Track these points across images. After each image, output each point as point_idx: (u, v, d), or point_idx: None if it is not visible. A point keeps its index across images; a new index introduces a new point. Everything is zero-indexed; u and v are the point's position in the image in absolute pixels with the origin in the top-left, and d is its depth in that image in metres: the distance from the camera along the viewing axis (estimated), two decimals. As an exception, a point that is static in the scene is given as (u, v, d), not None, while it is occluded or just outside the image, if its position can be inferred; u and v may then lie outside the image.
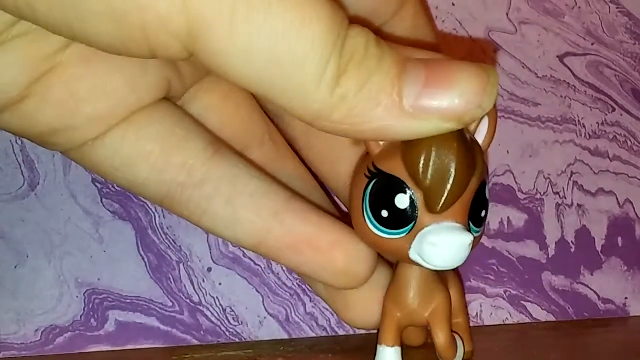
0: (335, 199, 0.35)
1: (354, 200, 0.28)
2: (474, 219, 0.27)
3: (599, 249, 0.41)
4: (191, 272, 0.36)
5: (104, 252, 0.35)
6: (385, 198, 0.27)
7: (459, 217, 0.26)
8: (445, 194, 0.25)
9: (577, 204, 0.41)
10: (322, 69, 0.21)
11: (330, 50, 0.21)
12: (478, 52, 0.40)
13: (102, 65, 0.25)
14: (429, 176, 0.25)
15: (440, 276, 0.30)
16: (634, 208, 0.42)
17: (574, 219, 0.41)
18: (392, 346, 0.29)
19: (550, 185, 0.41)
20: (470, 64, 0.23)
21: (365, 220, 0.27)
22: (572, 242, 0.41)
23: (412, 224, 0.26)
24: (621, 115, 0.42)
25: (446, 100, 0.23)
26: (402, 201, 0.26)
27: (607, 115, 0.42)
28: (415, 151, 0.25)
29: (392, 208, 0.27)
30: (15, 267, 0.34)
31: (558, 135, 0.41)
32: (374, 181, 0.27)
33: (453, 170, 0.25)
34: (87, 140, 0.26)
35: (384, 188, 0.27)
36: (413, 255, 0.26)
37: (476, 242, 0.27)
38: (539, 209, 0.40)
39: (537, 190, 0.41)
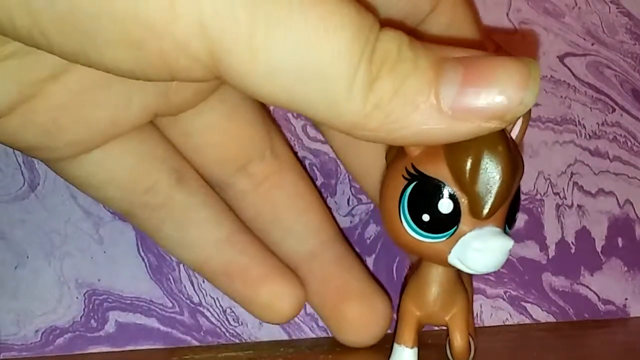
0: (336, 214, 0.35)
1: (387, 201, 0.27)
2: (509, 221, 0.27)
3: (599, 249, 0.41)
4: (191, 272, 0.35)
5: (104, 252, 0.35)
6: (427, 202, 0.26)
7: (499, 221, 0.26)
8: (492, 200, 0.25)
9: (577, 205, 0.41)
10: (352, 78, 0.21)
11: (358, 58, 0.21)
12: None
13: (88, 98, 0.25)
14: (477, 181, 0.25)
15: (461, 277, 0.30)
16: (634, 208, 0.42)
17: (574, 219, 0.41)
18: (412, 347, 0.29)
19: (550, 185, 0.41)
20: (510, 59, 0.22)
21: (402, 223, 0.26)
22: (572, 242, 0.41)
23: (453, 229, 0.26)
24: (621, 115, 0.42)
25: (486, 99, 0.22)
26: (445, 206, 0.26)
27: (607, 115, 0.42)
28: (460, 154, 0.25)
29: (434, 212, 0.26)
30: (15, 267, 0.34)
31: (558, 136, 0.41)
32: (413, 184, 0.26)
33: (500, 175, 0.25)
34: (64, 158, 0.27)
35: (426, 191, 0.26)
36: (452, 259, 0.26)
37: None
38: (539, 209, 0.40)
39: (537, 190, 0.41)
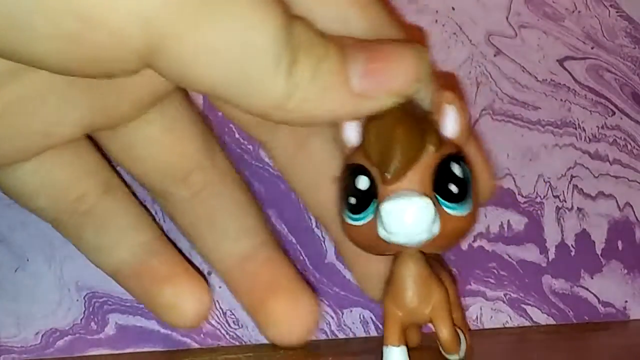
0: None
1: (337, 208, 0.29)
2: (443, 192, 0.27)
3: (599, 252, 0.41)
4: (191, 275, 0.36)
5: (104, 255, 0.35)
6: (349, 185, 0.27)
7: (418, 186, 0.26)
8: (393, 161, 0.26)
9: (577, 208, 0.41)
10: (277, 61, 0.23)
11: (284, 43, 0.23)
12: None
13: (22, 110, 0.26)
14: (377, 149, 0.26)
15: (435, 272, 0.30)
16: (633, 211, 0.42)
17: (574, 222, 0.41)
18: (398, 345, 0.29)
19: (550, 188, 0.41)
20: (399, 43, 0.26)
21: (343, 217, 0.28)
22: (572, 245, 0.41)
23: (375, 203, 0.27)
24: (621, 118, 0.42)
25: (388, 76, 0.25)
26: (362, 182, 0.27)
27: (607, 118, 0.42)
28: (366, 132, 0.27)
29: (356, 192, 0.27)
30: (16, 270, 0.34)
31: (558, 139, 0.41)
32: (343, 178, 0.28)
33: (397, 138, 0.26)
34: None
35: (348, 177, 0.28)
36: (381, 232, 0.26)
37: (457, 223, 0.27)
38: (539, 212, 0.40)
39: (537, 193, 0.41)
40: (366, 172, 0.27)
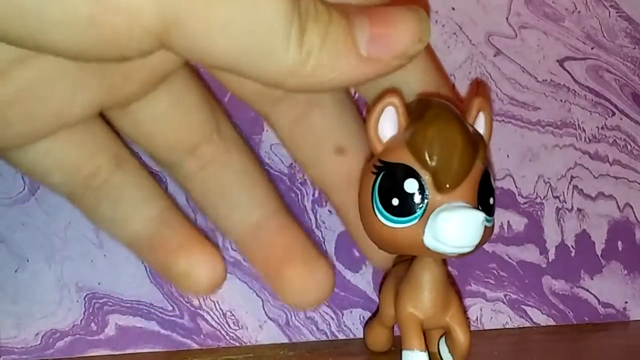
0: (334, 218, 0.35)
1: (363, 203, 0.29)
2: (483, 205, 0.28)
3: (599, 253, 0.41)
4: (191, 276, 0.36)
5: (104, 256, 0.35)
6: (394, 186, 0.27)
7: (468, 198, 0.27)
8: (453, 170, 0.26)
9: (577, 208, 0.41)
10: (289, 30, 0.24)
11: (291, 13, 0.24)
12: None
13: (33, 95, 0.26)
14: (435, 155, 0.27)
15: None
16: (633, 212, 0.42)
17: (574, 223, 0.41)
18: (423, 350, 0.29)
19: (550, 189, 0.41)
20: (400, 7, 0.26)
21: (376, 216, 0.28)
22: (572, 246, 0.41)
23: (423, 208, 0.27)
24: (621, 119, 0.42)
25: (393, 39, 0.25)
26: (410, 185, 0.27)
27: (606, 119, 0.42)
28: (420, 136, 0.27)
29: (402, 194, 0.27)
30: (16, 271, 0.34)
31: (558, 139, 0.41)
32: (381, 174, 0.28)
33: (458, 149, 0.26)
34: (11, 149, 0.28)
35: (392, 177, 0.28)
36: (427, 239, 0.27)
37: (487, 234, 0.28)
38: (539, 213, 0.40)
39: (537, 194, 0.41)
40: (415, 175, 0.27)
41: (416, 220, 0.27)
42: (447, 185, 0.27)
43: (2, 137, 0.27)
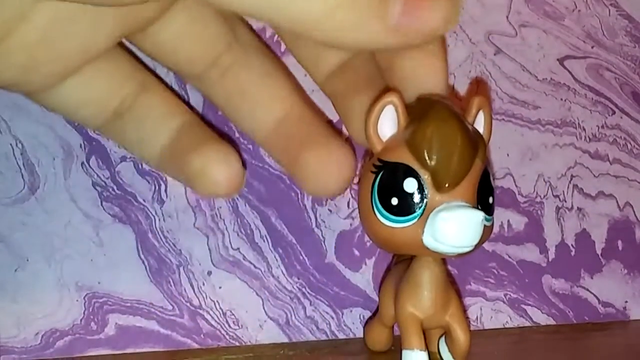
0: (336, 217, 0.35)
1: (362, 202, 0.29)
2: (483, 204, 0.27)
3: (599, 252, 0.41)
4: (191, 275, 0.36)
5: (104, 255, 0.35)
6: (393, 185, 0.27)
7: (468, 197, 0.27)
8: (452, 169, 0.26)
9: (577, 207, 0.41)
10: None
11: None
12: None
13: (58, 33, 0.27)
14: (435, 155, 0.27)
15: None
16: (634, 211, 0.42)
17: (574, 222, 0.41)
18: (423, 349, 0.29)
19: (550, 188, 0.41)
20: None
21: (376, 215, 0.28)
22: (572, 245, 0.41)
23: (422, 208, 0.27)
24: (621, 118, 0.42)
25: (424, 16, 0.25)
26: (410, 184, 0.27)
27: (607, 118, 0.42)
28: (419, 135, 0.27)
29: (401, 193, 0.27)
30: (16, 270, 0.34)
31: (558, 138, 0.41)
32: (380, 174, 0.28)
33: (457, 148, 0.26)
34: (41, 90, 0.29)
35: (391, 176, 0.28)
36: (427, 239, 0.27)
37: (487, 233, 0.28)
38: (539, 212, 0.40)
39: (537, 193, 0.41)
40: (415, 175, 0.27)
41: (415, 220, 0.27)
42: (447, 185, 0.27)
43: (32, 78, 0.28)
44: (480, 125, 0.29)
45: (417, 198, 0.27)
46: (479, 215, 0.26)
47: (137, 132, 0.32)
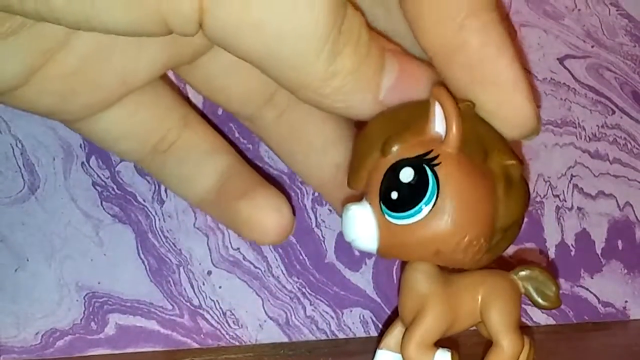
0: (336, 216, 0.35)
1: None
2: (385, 200, 0.26)
3: (599, 252, 0.41)
4: (191, 275, 0.36)
5: (104, 255, 0.35)
6: None
7: (371, 196, 0.26)
8: (350, 171, 0.27)
9: (577, 207, 0.41)
10: (323, 44, 0.23)
11: (331, 28, 0.23)
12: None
13: (97, 62, 0.26)
14: (355, 149, 0.27)
15: (462, 281, 0.28)
16: (634, 211, 0.42)
17: (574, 221, 0.41)
18: (381, 349, 0.29)
19: (550, 188, 0.41)
20: (424, 63, 0.26)
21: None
22: (572, 245, 0.41)
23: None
24: (621, 117, 0.42)
25: (410, 93, 0.26)
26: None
27: (607, 117, 0.42)
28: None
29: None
30: (16, 270, 0.34)
31: (558, 138, 0.41)
32: None
33: (358, 147, 0.27)
34: (80, 119, 0.28)
35: None
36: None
37: (410, 232, 0.25)
38: (539, 211, 0.40)
39: (536, 193, 0.41)
40: None
41: None
42: (347, 183, 0.27)
43: (70, 107, 0.27)
44: (436, 118, 0.26)
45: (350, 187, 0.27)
46: (357, 211, 0.26)
47: (179, 170, 0.31)
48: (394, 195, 0.25)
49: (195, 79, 0.30)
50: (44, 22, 0.23)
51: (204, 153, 0.31)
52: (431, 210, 0.25)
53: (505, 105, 0.26)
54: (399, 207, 0.25)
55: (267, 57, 0.24)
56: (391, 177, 0.26)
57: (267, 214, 0.31)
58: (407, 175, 0.25)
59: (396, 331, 0.29)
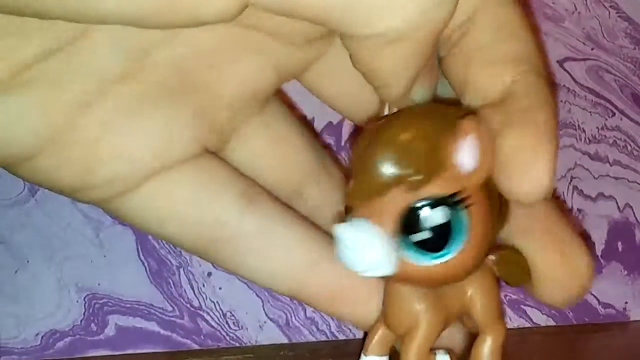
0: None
1: None
2: (408, 237, 0.23)
3: (598, 253, 0.41)
4: (191, 276, 0.36)
5: (104, 256, 0.35)
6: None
7: (380, 220, 0.23)
8: (358, 184, 0.23)
9: (577, 209, 0.41)
10: None
11: None
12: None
13: (122, 128, 0.23)
14: (356, 159, 0.23)
15: (454, 290, 0.28)
16: (633, 212, 0.42)
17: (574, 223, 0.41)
18: (367, 355, 0.29)
19: (550, 189, 0.41)
20: None
21: None
22: (572, 246, 0.41)
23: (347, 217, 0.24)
24: (621, 119, 0.42)
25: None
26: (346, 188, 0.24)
27: (606, 119, 0.42)
28: (361, 137, 0.24)
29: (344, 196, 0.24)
30: (16, 272, 0.34)
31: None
32: None
33: (377, 162, 0.22)
34: (110, 197, 0.25)
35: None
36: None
37: (434, 272, 0.24)
38: (539, 213, 0.40)
39: (537, 194, 0.41)
40: (350, 179, 0.24)
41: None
42: (346, 197, 0.23)
43: (95, 182, 0.24)
44: (469, 154, 0.23)
45: (347, 202, 0.24)
46: (364, 240, 0.23)
47: (263, 264, 0.26)
48: (423, 235, 0.23)
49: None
50: (57, 78, 0.21)
51: (289, 243, 0.27)
52: (460, 251, 0.23)
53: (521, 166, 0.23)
54: (428, 248, 0.23)
55: (342, 6, 0.20)
56: (417, 215, 0.23)
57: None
58: (438, 216, 0.23)
59: (378, 336, 0.29)
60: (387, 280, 0.26)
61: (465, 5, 0.23)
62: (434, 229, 0.23)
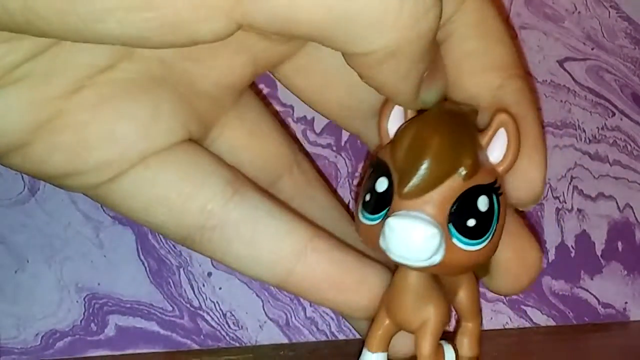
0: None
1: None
2: (458, 225, 0.25)
3: (599, 253, 0.41)
4: (191, 276, 0.36)
5: (104, 256, 0.35)
6: (370, 182, 0.26)
7: (433, 211, 0.24)
8: (413, 179, 0.24)
9: (577, 209, 0.41)
10: (400, 4, 0.21)
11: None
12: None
13: (110, 112, 0.24)
14: (403, 157, 0.25)
15: (448, 283, 0.29)
16: (633, 212, 0.42)
17: (574, 223, 0.41)
18: (374, 352, 0.29)
19: (550, 189, 0.41)
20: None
21: (357, 209, 0.26)
22: (572, 246, 0.41)
23: (386, 210, 0.25)
24: (621, 119, 0.42)
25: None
26: (381, 184, 0.25)
27: (607, 119, 0.42)
28: (402, 133, 0.25)
29: (373, 191, 0.25)
30: (16, 271, 0.34)
31: (558, 140, 0.41)
32: (371, 170, 0.26)
33: (427, 156, 0.24)
34: (99, 183, 0.25)
35: (372, 173, 0.26)
36: (381, 242, 0.25)
37: (471, 257, 0.25)
38: (539, 213, 0.40)
39: (537, 194, 0.41)
40: (387, 175, 0.25)
41: (378, 221, 0.25)
42: (404, 193, 0.24)
43: (84, 167, 0.24)
44: (499, 146, 0.26)
45: (384, 199, 0.25)
46: (427, 229, 0.24)
47: (248, 251, 0.27)
48: (471, 222, 0.25)
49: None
50: (48, 70, 0.22)
51: (275, 231, 0.27)
52: (492, 238, 0.26)
53: (518, 172, 0.26)
54: (474, 234, 0.25)
55: (333, 24, 0.20)
56: (469, 203, 0.25)
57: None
58: (484, 203, 0.25)
59: (380, 332, 0.29)
60: (403, 275, 0.27)
61: (445, 7, 0.24)
62: (480, 215, 0.25)
